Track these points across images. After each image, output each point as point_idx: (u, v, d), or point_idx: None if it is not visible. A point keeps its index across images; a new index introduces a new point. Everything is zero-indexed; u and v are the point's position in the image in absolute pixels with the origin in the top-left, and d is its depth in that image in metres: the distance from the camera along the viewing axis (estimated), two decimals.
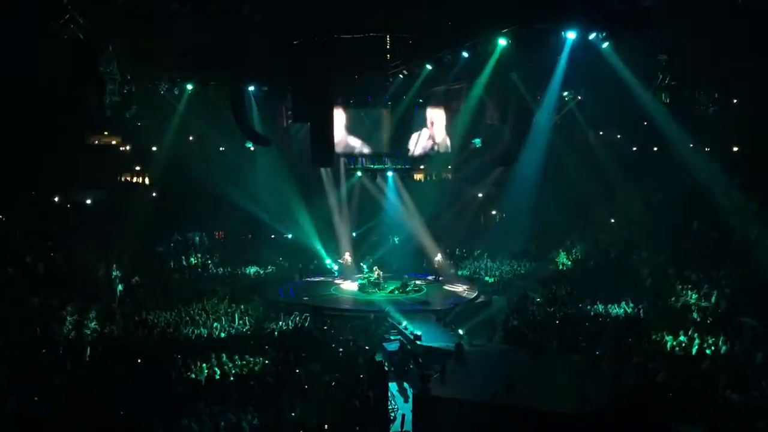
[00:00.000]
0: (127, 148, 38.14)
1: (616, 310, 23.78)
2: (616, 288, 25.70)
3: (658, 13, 18.85)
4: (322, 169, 33.13)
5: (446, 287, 30.27)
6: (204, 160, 32.53)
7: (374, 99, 30.33)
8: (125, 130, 36.11)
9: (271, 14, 19.68)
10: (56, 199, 32.49)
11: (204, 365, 17.70)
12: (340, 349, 20.02)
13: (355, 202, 36.42)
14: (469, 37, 22.56)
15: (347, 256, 32.95)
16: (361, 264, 32.28)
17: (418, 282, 30.40)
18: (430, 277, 31.92)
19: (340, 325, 23.29)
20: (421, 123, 31.49)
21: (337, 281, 31.44)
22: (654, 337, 20.39)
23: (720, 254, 25.21)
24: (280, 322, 23.33)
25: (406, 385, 18.98)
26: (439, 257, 32.67)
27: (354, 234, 35.56)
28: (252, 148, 33.77)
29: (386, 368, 19.30)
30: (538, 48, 21.28)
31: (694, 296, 23.67)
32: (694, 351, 19.09)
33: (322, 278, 32.64)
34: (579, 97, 30.58)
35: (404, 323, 23.42)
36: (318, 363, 17.87)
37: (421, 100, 30.84)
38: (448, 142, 32.12)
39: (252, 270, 32.54)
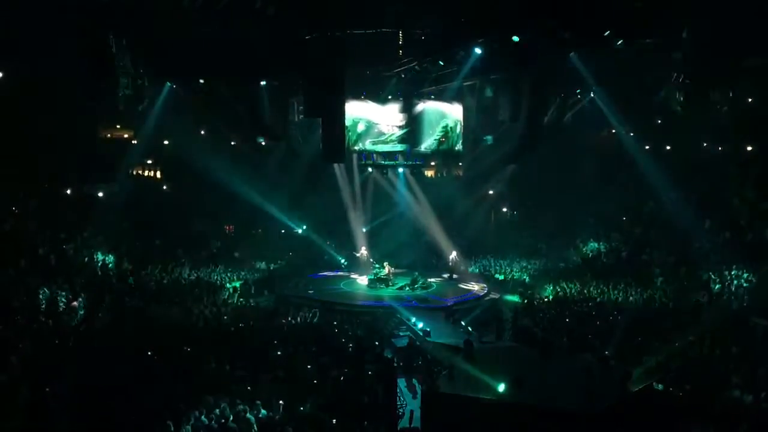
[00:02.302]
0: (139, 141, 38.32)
1: (626, 308, 23.67)
2: (627, 287, 25.60)
3: (674, 10, 18.75)
4: (335, 164, 33.19)
5: (461, 285, 30.15)
6: (215, 154, 32.58)
7: (385, 95, 30.29)
8: (137, 124, 36.27)
9: (284, 9, 19.71)
10: (68, 191, 32.67)
11: (213, 359, 17.73)
12: (350, 345, 20.02)
13: (366, 198, 36.46)
14: (482, 33, 22.48)
15: (363, 251, 32.95)
16: (370, 260, 32.31)
17: (430, 280, 30.36)
18: (444, 275, 31.83)
19: (349, 321, 23.29)
20: (433, 119, 31.41)
21: (353, 276, 31.41)
22: (664, 336, 20.28)
23: (732, 254, 25.02)
24: (290, 317, 23.38)
25: (414, 381, 18.92)
26: (453, 255, 32.58)
27: (364, 230, 35.60)
28: (263, 143, 33.83)
29: (395, 364, 19.27)
30: (551, 45, 21.20)
31: (705, 296, 23.51)
32: (705, 351, 18.97)
33: (332, 273, 32.69)
34: (592, 95, 30.45)
35: (413, 319, 23.42)
36: (327, 358, 17.87)
37: (432, 97, 30.79)
38: (460, 140, 32.06)
39: (262, 264, 32.61)
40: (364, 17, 22.37)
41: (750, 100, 30.10)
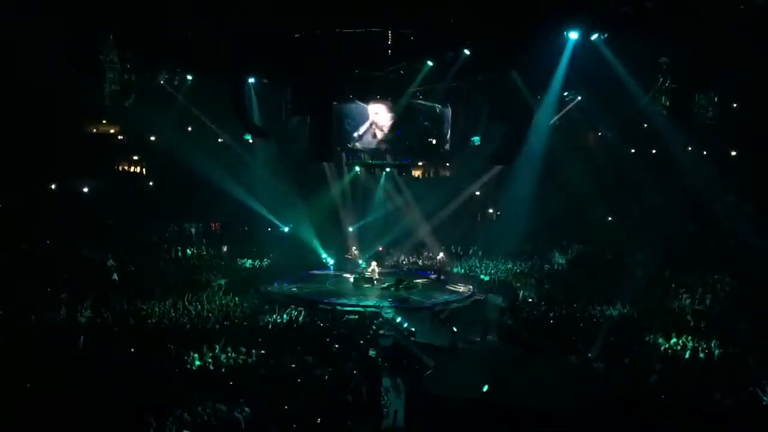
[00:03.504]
0: (125, 137, 38.06)
1: (610, 311, 23.82)
2: (611, 289, 25.75)
3: (660, 16, 18.88)
4: (325, 163, 33.15)
5: (447, 286, 30.10)
6: (202, 151, 32.44)
7: (374, 94, 30.27)
8: (123, 120, 36.02)
9: (273, 7, 19.66)
10: (53, 187, 32.42)
11: (197, 356, 17.68)
12: (334, 344, 20.00)
13: (355, 197, 36.50)
14: (471, 34, 22.52)
15: (354, 250, 32.90)
16: (359, 260, 32.29)
17: (417, 280, 30.29)
18: (432, 276, 31.80)
19: (334, 320, 23.26)
20: (420, 119, 31.43)
21: (345, 275, 31.35)
22: (647, 339, 20.45)
23: (715, 258, 25.26)
24: (275, 315, 23.34)
25: (399, 380, 18.97)
26: (440, 255, 32.57)
27: (351, 229, 35.61)
28: (251, 141, 33.73)
29: (380, 364, 19.29)
30: (539, 47, 21.27)
31: (688, 299, 23.71)
32: (687, 354, 19.14)
33: (321, 272, 32.66)
34: (579, 98, 30.60)
35: (399, 319, 23.43)
36: (311, 357, 17.85)
37: (420, 97, 30.81)
38: (448, 140, 32.10)
39: (248, 262, 32.52)
40: (354, 17, 22.34)
41: (735, 105, 30.39)
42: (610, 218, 32.67)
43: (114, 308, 22.59)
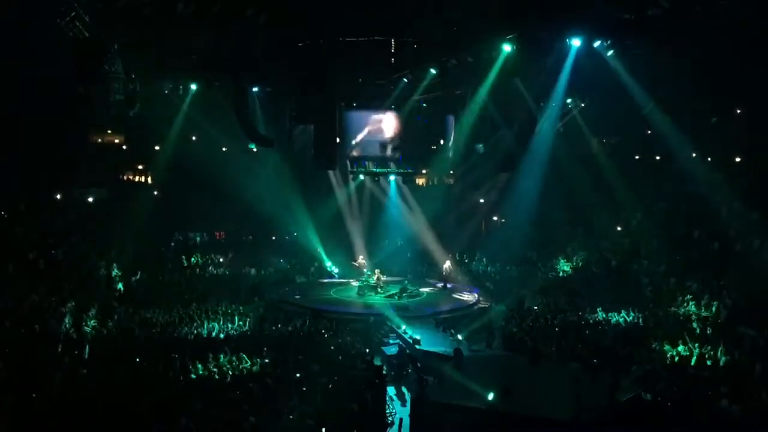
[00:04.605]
0: (130, 146, 38.15)
1: (615, 318, 23.72)
2: (617, 296, 25.66)
3: (663, 22, 18.90)
4: (329, 171, 33.15)
5: (453, 294, 29.94)
6: (207, 160, 32.50)
7: (377, 102, 30.34)
8: (128, 129, 36.14)
9: (276, 15, 19.75)
10: (58, 196, 32.51)
11: (202, 365, 17.68)
12: (339, 353, 19.98)
13: (361, 205, 36.51)
14: (474, 42, 22.58)
15: (361, 259, 32.87)
16: (365, 269, 32.25)
17: (422, 288, 30.16)
18: (438, 284, 31.66)
19: (339, 328, 23.23)
20: (424, 127, 31.48)
21: (353, 283, 31.23)
22: (653, 346, 20.35)
23: (721, 264, 25.14)
24: (279, 324, 23.32)
25: (404, 389, 18.95)
26: (447, 264, 32.45)
27: (356, 237, 35.58)
28: (255, 149, 33.79)
29: (384, 372, 19.26)
30: (542, 54, 21.29)
31: (694, 306, 23.60)
32: (693, 361, 19.05)
33: (326, 280, 32.62)
34: (582, 105, 30.60)
35: (403, 327, 23.37)
36: (316, 365, 17.84)
37: (424, 105, 30.86)
38: (452, 148, 32.12)
39: (252, 271, 32.52)
40: (357, 25, 22.43)
41: (738, 111, 30.33)
42: (615, 225, 32.49)
43: (119, 318, 22.66)
